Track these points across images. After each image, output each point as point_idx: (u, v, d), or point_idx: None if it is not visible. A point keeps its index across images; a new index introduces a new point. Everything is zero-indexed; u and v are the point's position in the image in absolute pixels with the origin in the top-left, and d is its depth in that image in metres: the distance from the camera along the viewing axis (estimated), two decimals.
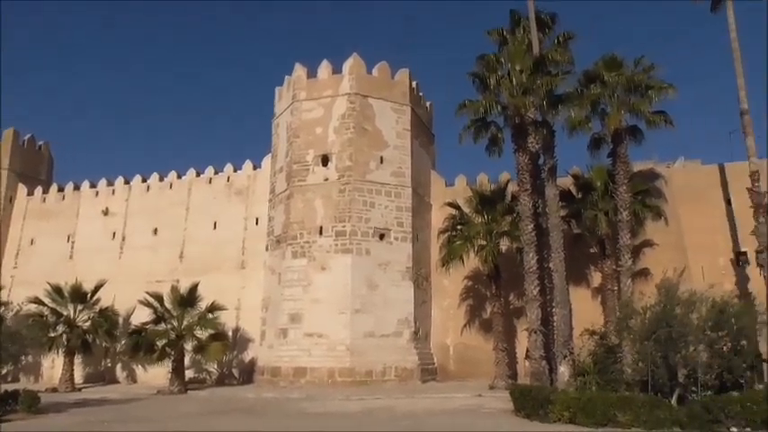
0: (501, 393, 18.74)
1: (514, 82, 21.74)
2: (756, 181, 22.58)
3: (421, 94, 31.67)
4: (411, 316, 26.91)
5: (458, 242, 25.74)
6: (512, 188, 25.31)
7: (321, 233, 26.71)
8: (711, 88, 78.75)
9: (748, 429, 11.09)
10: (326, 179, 27.37)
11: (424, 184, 30.45)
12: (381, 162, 27.79)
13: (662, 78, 22.54)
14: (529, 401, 13.78)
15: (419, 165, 29.76)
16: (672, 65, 77.20)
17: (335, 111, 28.02)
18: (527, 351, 22.39)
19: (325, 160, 27.64)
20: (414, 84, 30.20)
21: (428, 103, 32.95)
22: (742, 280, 26.37)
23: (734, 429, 11.16)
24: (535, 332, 20.97)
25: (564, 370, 18.67)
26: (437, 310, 29.63)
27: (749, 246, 24.83)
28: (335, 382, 24.38)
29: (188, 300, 26.78)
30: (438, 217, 29.15)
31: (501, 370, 24.44)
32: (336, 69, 28.73)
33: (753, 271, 25.02)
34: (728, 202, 27.55)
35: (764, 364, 18.50)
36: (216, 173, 33.96)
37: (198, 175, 34.37)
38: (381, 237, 27.01)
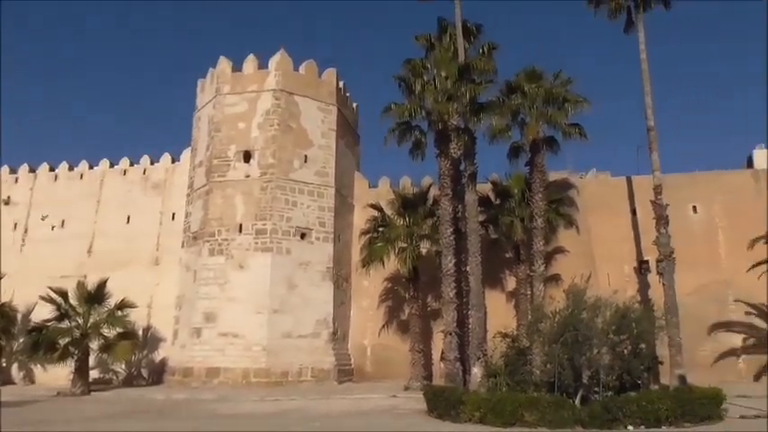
0: (415, 394, 18.97)
1: (439, 88, 22.13)
2: (659, 194, 24.00)
3: (348, 94, 31.65)
4: (330, 317, 26.80)
5: (379, 244, 25.90)
6: (434, 192, 25.74)
7: (241, 231, 26.15)
8: (624, 104, 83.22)
9: (642, 427, 11.76)
10: (248, 176, 26.82)
11: (347, 184, 30.43)
12: (305, 161, 27.55)
13: (578, 92, 23.64)
14: (442, 402, 14.02)
15: (343, 165, 29.72)
16: (589, 80, 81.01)
17: (260, 106, 27.53)
18: (442, 352, 22.80)
19: (247, 156, 27.09)
20: (341, 84, 30.14)
21: (354, 104, 32.99)
22: (643, 287, 27.98)
23: (630, 427, 11.80)
24: (450, 334, 21.39)
25: (477, 371, 19.12)
26: (356, 310, 29.68)
27: (651, 255, 26.37)
28: (250, 383, 23.90)
29: (96, 296, 25.48)
30: (360, 218, 29.22)
31: (416, 371, 24.75)
32: (262, 65, 28.25)
33: (653, 278, 26.58)
34: (634, 213, 29.17)
35: (660, 366, 19.73)
36: (131, 164, 32.60)
37: (111, 166, 32.86)
38: (303, 236, 26.76)
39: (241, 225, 26.23)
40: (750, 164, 31.57)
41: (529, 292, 23.48)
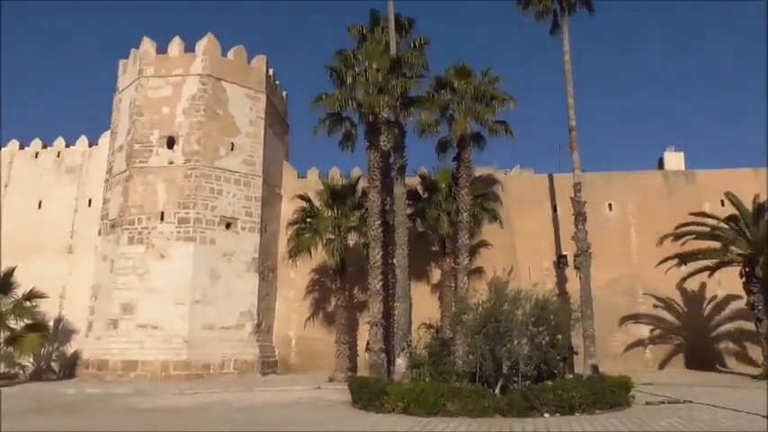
0: (340, 386, 18.99)
1: (370, 80, 22.11)
2: (578, 191, 25.00)
3: (278, 82, 31.14)
4: (255, 308, 26.40)
5: (306, 235, 25.70)
6: (363, 184, 25.76)
7: (162, 219, 25.27)
8: (549, 104, 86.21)
9: (557, 414, 12.26)
10: (171, 162, 25.93)
11: (275, 174, 29.98)
12: (232, 149, 26.92)
13: (505, 91, 24.20)
14: (366, 393, 14.09)
15: (272, 154, 29.25)
16: (516, 79, 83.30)
17: (186, 91, 26.64)
18: (368, 344, 22.95)
19: (171, 142, 26.17)
20: (270, 71, 29.60)
21: (284, 93, 32.50)
22: (561, 280, 29.17)
23: (546, 415, 12.27)
24: (376, 325, 21.54)
25: (401, 362, 19.34)
26: (282, 302, 29.36)
27: (569, 250, 27.49)
28: (169, 376, 23.21)
29: (1, 286, 23.97)
30: (288, 209, 28.89)
31: (342, 362, 24.79)
32: (189, 48, 27.33)
33: (571, 272, 27.75)
34: (555, 210, 30.32)
35: (575, 356, 20.62)
36: (44, 147, 30.81)
37: (21, 147, 30.94)
38: (228, 226, 26.18)
39: (163, 213, 25.35)
40: (661, 165, 33.44)
41: (453, 285, 23.96)
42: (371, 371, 20.84)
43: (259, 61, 28.71)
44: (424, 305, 25.45)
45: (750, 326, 24.24)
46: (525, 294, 15.25)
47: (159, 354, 23.61)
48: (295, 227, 26.36)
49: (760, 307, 22.32)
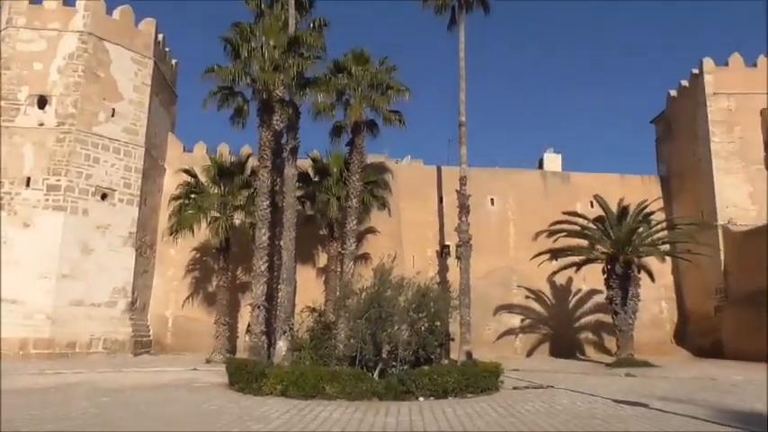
0: (218, 367, 18.50)
1: (267, 56, 21.51)
2: (464, 185, 25.96)
3: (167, 49, 29.55)
4: (129, 285, 25.08)
5: (190, 211, 24.75)
6: (252, 163, 25.14)
7: (28, 185, 23.31)
8: (443, 97, 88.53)
9: (432, 398, 12.71)
10: (42, 124, 23.91)
11: (159, 145, 28.52)
12: (113, 115, 25.26)
13: (401, 81, 24.49)
14: (244, 375, 13.83)
15: (156, 124, 27.77)
16: (413, 71, 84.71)
17: (62, 48, 24.60)
18: (248, 326, 22.51)
19: (42, 102, 24.11)
20: (160, 37, 28.01)
21: (174, 61, 30.91)
22: (443, 269, 30.24)
23: (421, 398, 12.67)
24: (259, 307, 21.17)
25: (282, 345, 19.15)
26: (159, 280, 28.12)
27: (452, 240, 28.52)
28: (28, 355, 21.56)
29: None
30: (171, 183, 27.65)
31: (220, 344, 24.21)
32: (68, 1, 25.19)
33: (452, 262, 28.84)
34: (441, 201, 31.31)
35: (451, 343, 21.45)
36: None
37: None
38: (104, 197, 24.60)
39: (29, 179, 23.37)
40: (541, 165, 35.51)
41: (339, 269, 24.07)
42: (251, 353, 20.48)
43: (148, 24, 27.07)
44: (308, 289, 25.41)
45: (608, 318, 26.42)
46: (408, 281, 15.60)
47: (18, 330, 21.80)
48: (178, 202, 25.26)
49: (617, 301, 24.37)
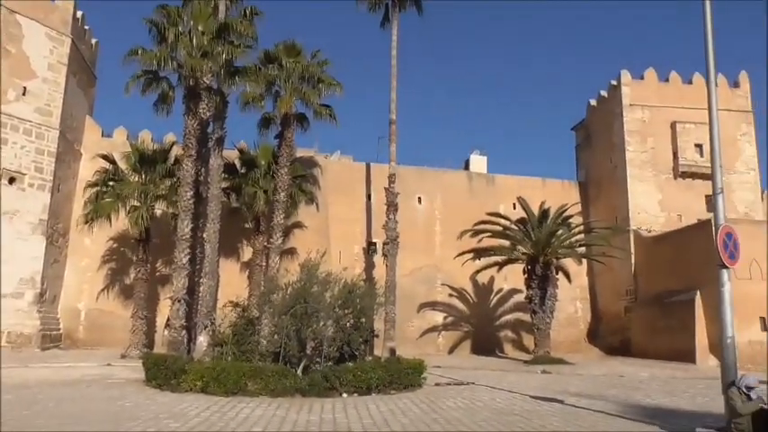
0: (134, 363, 17.79)
1: (195, 42, 20.77)
2: (393, 183, 26.13)
3: (87, 27, 28.07)
4: (38, 275, 23.68)
5: (108, 199, 23.64)
6: (176, 151, 24.25)
7: None
8: (375, 94, 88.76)
9: (355, 394, 12.71)
10: None
11: (75, 129, 27.06)
12: (24, 93, 23.77)
13: (333, 75, 24.28)
14: (162, 371, 13.33)
15: (73, 106, 26.33)
16: (346, 67, 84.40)
17: None
18: (168, 320, 21.71)
19: None
20: (79, 14, 26.55)
21: (94, 41, 29.40)
22: (369, 266, 30.33)
23: (345, 395, 12.65)
24: (179, 301, 20.43)
25: (203, 340, 18.65)
26: (72, 271, 26.70)
27: (379, 237, 28.64)
28: None
29: None
30: (88, 169, 26.29)
31: (137, 338, 23.27)
32: None
33: (379, 259, 28.94)
34: (369, 198, 31.38)
35: (376, 339, 21.52)
36: None
37: None
38: (11, 181, 23.10)
39: None
40: (468, 166, 36.25)
41: (264, 264, 23.64)
42: (170, 348, 19.76)
43: (66, 0, 25.58)
44: (232, 283, 24.80)
45: (527, 317, 27.31)
46: (335, 277, 15.53)
47: None
48: (95, 189, 24.05)
49: (536, 301, 25.24)
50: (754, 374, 8.19)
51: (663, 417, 10.24)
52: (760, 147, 32.75)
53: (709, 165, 9.53)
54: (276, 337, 15.05)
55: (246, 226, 26.67)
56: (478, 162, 36.18)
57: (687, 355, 24.21)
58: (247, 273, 26.73)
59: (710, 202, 8.41)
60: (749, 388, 7.68)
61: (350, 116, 79.03)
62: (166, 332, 21.84)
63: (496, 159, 38.30)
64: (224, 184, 22.84)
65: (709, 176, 9.50)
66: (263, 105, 22.91)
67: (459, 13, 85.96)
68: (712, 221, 8.96)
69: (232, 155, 25.68)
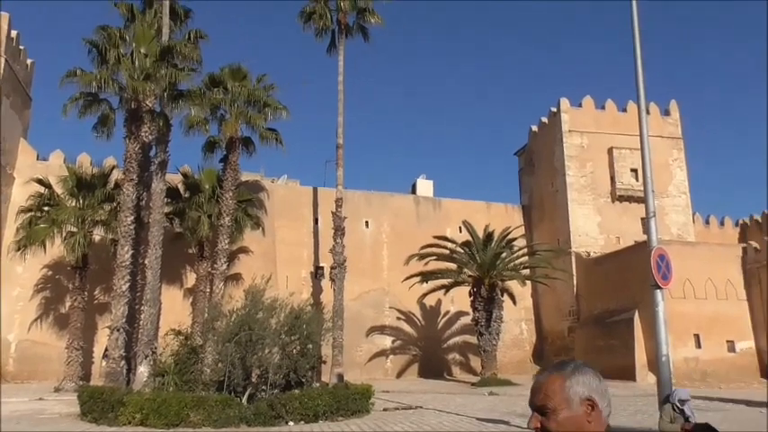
0: (69, 396, 16.96)
1: (137, 65, 20.44)
2: (340, 207, 26.11)
3: (23, 47, 27.14)
4: None
5: (42, 225, 22.68)
6: (117, 176, 23.59)
7: None
8: (324, 119, 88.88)
9: (302, 422, 12.48)
10: None
11: (9, 151, 25.99)
12: None
13: (279, 100, 24.21)
14: (98, 404, 12.78)
15: (6, 128, 25.30)
16: (293, 91, 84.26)
17: None
18: (106, 350, 20.88)
19: None
20: (14, 33, 25.69)
21: (30, 61, 28.45)
22: (317, 290, 30.06)
23: (291, 423, 12.41)
24: (118, 330, 19.71)
25: (143, 370, 17.99)
26: (2, 300, 25.35)
27: (326, 261, 28.48)
28: None
29: None
30: (21, 193, 25.20)
31: (73, 370, 22.23)
32: None
33: (326, 283, 28.74)
34: (316, 222, 31.23)
35: (323, 365, 21.28)
36: None
37: None
38: None
39: None
40: (414, 190, 36.63)
41: (208, 290, 23.11)
42: (108, 380, 18.97)
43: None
44: (174, 310, 24.10)
45: (473, 339, 27.55)
46: (281, 303, 15.33)
47: None
48: (28, 215, 23.05)
49: (482, 323, 25.53)
50: (685, 389, 8.49)
51: None
52: (690, 172, 34.47)
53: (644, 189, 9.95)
54: (220, 365, 14.70)
55: (190, 251, 26.05)
56: (425, 186, 36.61)
57: (627, 373, 24.89)
58: (191, 299, 26.03)
59: (645, 225, 8.82)
60: (682, 401, 7.94)
61: (297, 140, 78.76)
62: (104, 363, 20.99)
63: (443, 183, 38.87)
64: (167, 209, 22.30)
65: (644, 200, 9.92)
66: (207, 129, 22.67)
67: (405, 40, 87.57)
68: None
69: (175, 179, 25.16)
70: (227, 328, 14.88)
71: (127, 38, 21.03)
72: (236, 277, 25.10)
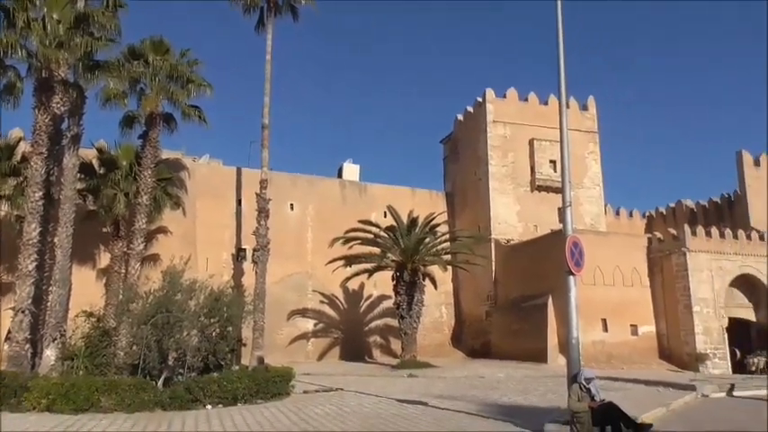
0: None
1: (49, 31, 19.15)
2: (264, 188, 25.66)
3: None
4: None
5: None
6: (24, 148, 22.15)
7: None
8: (250, 99, 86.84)
9: (220, 405, 12.30)
10: None
11: None
12: None
13: (203, 76, 23.38)
14: (0, 390, 12.09)
15: None
16: (219, 69, 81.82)
17: None
18: (8, 333, 19.70)
19: None
20: None
21: None
22: (238, 273, 29.56)
23: (209, 406, 12.20)
24: (23, 311, 18.57)
25: (50, 354, 17.11)
26: None
27: (249, 243, 28.02)
28: None
29: None
30: None
31: None
32: None
33: (248, 266, 28.31)
34: (239, 203, 30.63)
35: (243, 348, 21.01)
36: None
37: None
38: None
39: None
40: (341, 174, 36.56)
41: (124, 271, 22.19)
42: (10, 364, 17.89)
43: None
44: (86, 291, 22.97)
45: (395, 323, 27.98)
46: (201, 285, 14.99)
47: None
48: None
49: (404, 306, 25.95)
50: (591, 369, 9.01)
51: (517, 414, 10.93)
52: (604, 165, 36.17)
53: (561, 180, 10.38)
54: (135, 348, 14.24)
55: (104, 230, 24.90)
56: (351, 170, 36.59)
57: (540, 356, 26.03)
58: (104, 280, 24.93)
59: (561, 214, 9.23)
60: (588, 380, 8.44)
61: (221, 120, 76.73)
62: (7, 346, 19.78)
63: (369, 168, 39.02)
64: (79, 186, 21.15)
65: (561, 190, 10.34)
66: (126, 103, 21.57)
67: (336, 22, 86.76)
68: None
69: (90, 154, 23.93)
70: (144, 310, 14.42)
71: (37, 1, 19.66)
72: (154, 258, 24.26)
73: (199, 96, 23.05)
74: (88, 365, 14.75)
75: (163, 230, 26.21)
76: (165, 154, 25.73)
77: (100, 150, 24.76)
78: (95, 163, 24.38)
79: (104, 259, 25.61)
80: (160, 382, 13.20)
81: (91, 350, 15.47)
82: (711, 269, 27.37)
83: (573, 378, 8.61)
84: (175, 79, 22.43)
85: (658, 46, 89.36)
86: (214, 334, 14.97)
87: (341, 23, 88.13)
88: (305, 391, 14.96)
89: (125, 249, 22.68)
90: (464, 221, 34.99)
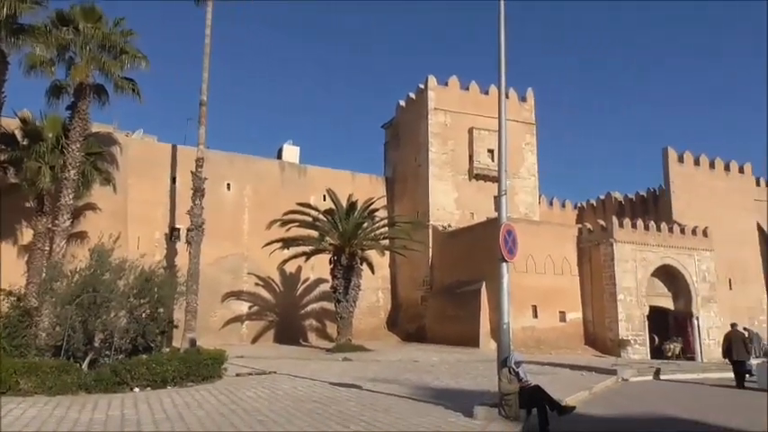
0: None
1: None
2: (200, 167, 25.01)
3: None
4: None
5: None
6: None
7: None
8: (185, 75, 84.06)
9: (149, 389, 11.97)
10: None
11: None
12: None
13: (139, 48, 22.43)
14: None
15: None
16: (156, 41, 78.77)
17: None
18: None
19: None
20: None
21: None
22: (171, 253, 28.79)
23: (137, 389, 11.85)
24: None
25: None
26: None
27: (183, 223, 27.30)
28: None
29: None
30: None
31: None
32: None
33: (182, 246, 27.60)
34: (174, 181, 29.75)
35: (175, 330, 20.53)
36: None
37: None
38: None
39: None
40: (280, 155, 36.06)
41: (48, 248, 21.20)
42: None
43: None
44: (6, 269, 21.93)
45: (331, 306, 27.97)
46: (131, 264, 14.48)
47: None
48: None
49: (341, 290, 25.96)
50: (520, 353, 9.27)
51: (449, 397, 11.15)
52: (540, 156, 37.16)
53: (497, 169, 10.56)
54: (58, 329, 13.63)
55: (27, 205, 23.66)
56: (291, 152, 36.14)
57: (473, 340, 26.68)
58: (27, 258, 23.72)
59: (497, 203, 9.43)
60: (517, 363, 8.71)
61: (157, 95, 74.10)
62: None
63: (309, 150, 38.70)
64: (0, 157, 20.02)
65: (498, 179, 10.52)
66: (53, 71, 20.48)
67: (279, 3, 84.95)
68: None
69: (12, 124, 22.63)
70: (69, 289, 13.80)
71: None
72: (81, 235, 23.29)
73: (133, 69, 22.09)
74: (6, 347, 13.99)
75: (91, 207, 25.14)
76: (96, 127, 24.61)
77: (24, 120, 23.43)
78: (18, 134, 23.11)
79: (27, 235, 24.35)
80: (85, 364, 12.72)
81: (9, 330, 14.69)
82: (636, 259, 28.71)
83: (503, 362, 8.84)
84: (108, 49, 21.44)
85: (595, 44, 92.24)
86: (144, 315, 14.52)
87: (286, 6, 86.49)
88: (237, 374, 14.76)
89: (50, 226, 21.62)
90: (403, 207, 35.25)
